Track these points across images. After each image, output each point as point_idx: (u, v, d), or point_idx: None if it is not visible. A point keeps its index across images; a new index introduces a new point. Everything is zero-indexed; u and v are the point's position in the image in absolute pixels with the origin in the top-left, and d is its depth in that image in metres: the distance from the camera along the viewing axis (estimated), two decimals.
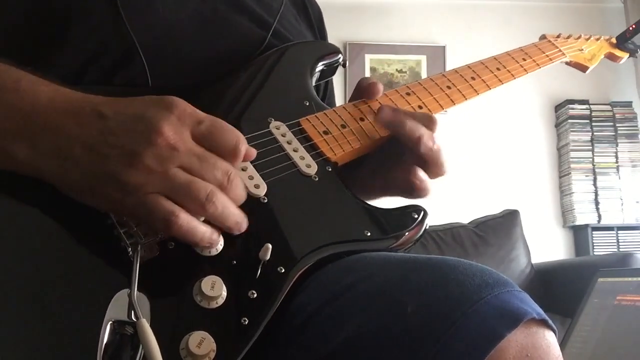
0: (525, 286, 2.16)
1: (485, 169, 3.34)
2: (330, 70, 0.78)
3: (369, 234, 0.58)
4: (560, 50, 0.88)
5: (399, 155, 0.65)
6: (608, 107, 3.45)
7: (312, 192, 0.60)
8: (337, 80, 1.21)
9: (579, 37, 0.94)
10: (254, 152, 0.54)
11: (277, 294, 0.50)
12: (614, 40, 0.98)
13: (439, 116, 0.71)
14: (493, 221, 2.28)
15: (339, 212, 0.59)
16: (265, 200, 0.56)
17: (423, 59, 3.51)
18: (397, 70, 3.51)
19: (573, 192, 3.33)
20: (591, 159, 3.38)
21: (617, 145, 3.40)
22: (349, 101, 0.72)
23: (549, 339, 0.44)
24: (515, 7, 3.59)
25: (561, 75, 3.21)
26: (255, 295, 0.49)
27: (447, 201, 2.85)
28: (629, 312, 1.20)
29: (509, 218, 2.29)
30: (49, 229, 0.49)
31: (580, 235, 3.35)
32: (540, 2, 3.59)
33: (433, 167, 0.63)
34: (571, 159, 3.38)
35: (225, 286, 0.48)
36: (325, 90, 0.87)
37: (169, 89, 0.54)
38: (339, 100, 0.91)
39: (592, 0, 3.63)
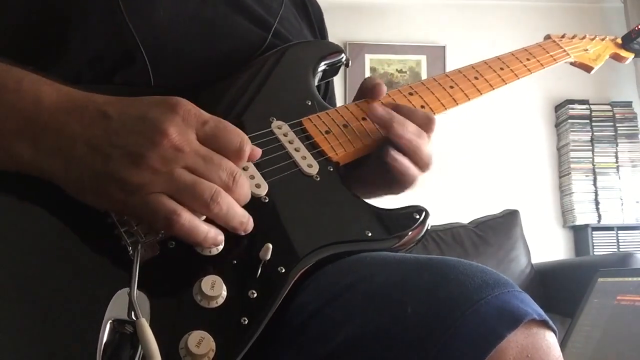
0: (525, 286, 2.16)
1: (485, 169, 3.34)
2: (332, 70, 0.78)
3: (370, 234, 0.58)
4: (564, 51, 0.87)
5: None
6: (608, 107, 3.45)
7: (313, 192, 0.60)
8: (337, 80, 1.21)
9: (584, 37, 0.94)
10: (258, 152, 0.54)
11: (277, 294, 0.50)
12: (619, 41, 0.98)
13: (439, 116, 0.71)
14: (493, 221, 2.28)
15: (340, 212, 0.59)
16: (267, 200, 0.56)
17: (423, 59, 3.51)
18: (397, 70, 3.51)
19: (573, 192, 3.33)
20: (591, 159, 3.38)
21: (617, 145, 3.40)
22: (352, 101, 0.72)
23: (549, 339, 0.44)
24: (515, 7, 3.58)
25: (561, 75, 3.21)
26: (255, 295, 0.49)
27: (447, 201, 2.86)
28: (629, 312, 1.20)
29: (509, 218, 2.29)
30: (49, 228, 0.49)
31: (580, 235, 3.35)
32: (541, 2, 3.58)
33: (413, 157, 0.64)
34: (571, 159, 3.38)
35: (226, 286, 0.48)
36: (326, 90, 0.87)
37: (171, 88, 0.54)
38: (339, 100, 0.91)
39: (592, 0, 3.63)
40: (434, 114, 0.71)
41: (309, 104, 0.69)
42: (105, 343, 0.43)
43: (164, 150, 0.46)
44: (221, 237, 0.50)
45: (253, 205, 0.53)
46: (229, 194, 0.49)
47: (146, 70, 0.63)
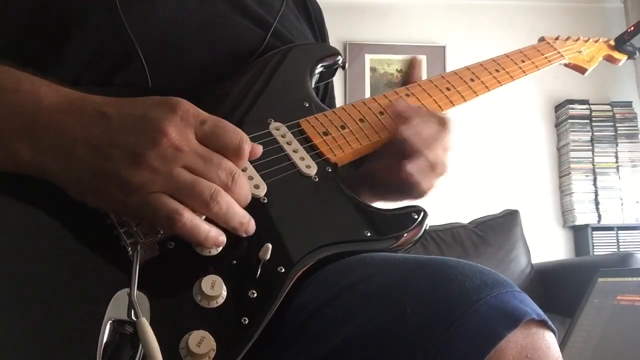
0: (525, 286, 2.17)
1: (485, 169, 3.34)
2: (329, 72, 0.78)
3: (368, 234, 0.58)
4: (558, 52, 0.88)
5: (398, 156, 0.65)
6: (608, 107, 3.45)
7: (312, 193, 0.60)
8: (337, 81, 1.21)
9: (578, 39, 0.94)
10: (259, 150, 0.54)
11: (277, 294, 0.50)
12: (612, 43, 0.98)
13: None
14: (493, 221, 2.28)
15: (339, 212, 0.59)
16: (265, 201, 0.56)
17: (423, 59, 3.51)
18: (397, 70, 3.51)
19: (573, 192, 3.33)
20: (591, 159, 3.38)
21: (617, 145, 3.40)
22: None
23: (549, 339, 0.44)
24: (515, 7, 3.59)
25: (561, 75, 3.20)
26: (255, 295, 0.49)
27: (447, 201, 2.86)
28: (629, 312, 1.20)
29: (509, 218, 2.29)
30: (48, 229, 0.49)
31: (580, 235, 3.35)
32: (540, 2, 3.58)
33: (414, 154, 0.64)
34: (571, 159, 3.38)
35: (226, 286, 0.48)
36: (325, 92, 0.87)
37: (169, 89, 0.54)
38: (339, 101, 0.91)
39: (592, 0, 3.63)
40: None
41: (307, 105, 0.69)
42: (105, 343, 0.43)
43: (163, 150, 0.47)
44: (223, 237, 0.50)
45: (252, 206, 0.53)
46: (229, 193, 0.49)
47: (143, 72, 0.64)
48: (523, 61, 0.83)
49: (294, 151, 0.62)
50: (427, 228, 0.62)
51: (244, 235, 0.51)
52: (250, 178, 0.56)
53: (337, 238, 0.57)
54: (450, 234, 2.20)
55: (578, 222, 3.29)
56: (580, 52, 0.92)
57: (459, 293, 0.44)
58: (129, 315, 0.44)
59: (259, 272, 0.50)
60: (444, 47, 3.51)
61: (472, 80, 0.77)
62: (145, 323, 0.43)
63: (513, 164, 3.40)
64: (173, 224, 0.47)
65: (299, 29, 0.81)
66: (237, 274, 0.50)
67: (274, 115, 0.64)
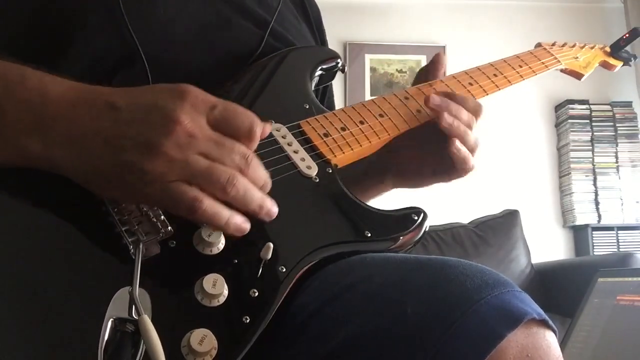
0: (525, 286, 2.17)
1: (485, 169, 3.33)
2: (329, 75, 0.79)
3: (369, 234, 0.58)
4: (555, 58, 0.89)
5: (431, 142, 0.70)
6: (608, 107, 3.45)
7: (312, 193, 0.60)
8: (337, 82, 1.21)
9: (574, 46, 0.95)
10: (268, 129, 0.54)
11: (278, 293, 0.50)
12: (608, 49, 0.99)
13: None
14: (493, 221, 2.28)
15: (340, 212, 0.60)
16: None
17: (423, 59, 3.51)
18: (397, 70, 3.51)
19: (573, 192, 3.33)
20: (591, 159, 3.38)
21: (617, 145, 3.40)
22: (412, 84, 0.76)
23: (549, 339, 0.44)
24: (515, 7, 3.59)
25: (561, 76, 3.18)
26: (256, 294, 0.49)
27: (447, 201, 2.86)
28: (629, 312, 1.20)
29: (509, 218, 2.29)
30: (49, 228, 0.49)
31: (580, 235, 3.35)
32: (540, 2, 3.58)
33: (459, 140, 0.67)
34: (571, 159, 3.38)
35: (227, 284, 0.48)
36: (324, 94, 0.87)
37: None
38: (339, 102, 0.92)
39: (592, 0, 3.63)
40: (430, 117, 0.72)
41: (307, 107, 0.69)
42: (106, 341, 0.43)
43: (177, 138, 0.47)
44: (247, 224, 0.50)
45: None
46: (244, 176, 0.49)
47: (145, 72, 0.64)
48: (520, 66, 0.83)
49: (294, 152, 0.62)
50: (427, 229, 0.62)
51: (267, 219, 0.52)
52: None
53: (338, 238, 0.57)
54: (450, 234, 2.20)
55: (578, 222, 3.29)
56: (577, 58, 0.93)
57: (459, 293, 0.44)
58: (130, 313, 0.45)
59: (260, 271, 0.51)
60: (444, 47, 3.51)
61: (470, 84, 0.77)
62: (147, 320, 0.43)
63: (513, 164, 3.40)
64: (194, 212, 0.47)
65: (297, 28, 0.81)
66: (238, 273, 0.50)
67: (274, 117, 0.64)
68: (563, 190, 3.44)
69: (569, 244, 3.41)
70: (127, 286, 0.46)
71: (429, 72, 0.77)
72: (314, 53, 0.78)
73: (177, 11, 0.68)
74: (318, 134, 0.65)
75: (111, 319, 0.44)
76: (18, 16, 0.63)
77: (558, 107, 3.52)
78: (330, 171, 0.63)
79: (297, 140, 0.64)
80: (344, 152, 0.65)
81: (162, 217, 0.51)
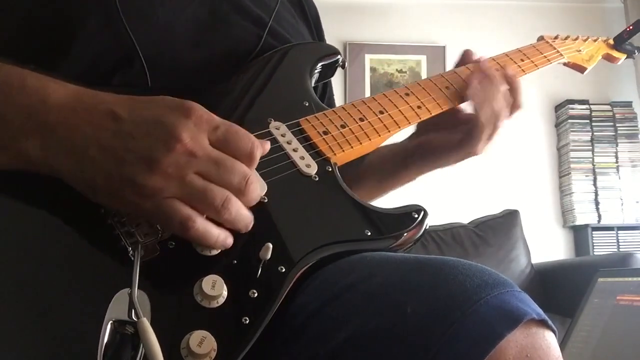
0: (525, 286, 2.16)
1: (485, 169, 3.33)
2: (329, 72, 0.79)
3: (369, 233, 0.58)
4: (558, 51, 0.88)
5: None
6: (608, 107, 3.44)
7: (312, 192, 0.60)
8: (337, 80, 1.21)
9: (577, 39, 0.94)
10: (267, 147, 0.55)
11: (277, 294, 0.50)
12: (611, 42, 0.98)
13: None
14: (493, 221, 2.28)
15: (339, 211, 0.59)
16: (266, 200, 0.56)
17: (423, 59, 3.51)
18: (397, 70, 3.51)
19: (573, 192, 3.33)
20: (591, 159, 3.38)
21: (617, 145, 3.40)
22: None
23: (549, 339, 0.44)
24: (515, 7, 3.58)
25: (561, 75, 3.20)
26: (256, 294, 0.49)
27: (447, 201, 2.86)
28: (629, 312, 1.20)
29: (509, 218, 2.29)
30: (48, 230, 0.49)
31: (580, 235, 3.35)
32: (541, 2, 3.58)
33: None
34: (571, 159, 3.37)
35: (226, 285, 0.48)
36: (324, 91, 0.87)
37: (169, 90, 0.54)
38: (339, 102, 0.91)
39: (592, 0, 3.63)
40: (430, 113, 0.73)
41: (307, 105, 0.69)
42: (106, 344, 0.43)
43: (177, 156, 0.47)
44: (230, 239, 0.51)
45: (253, 206, 0.53)
46: (241, 197, 0.50)
47: (143, 72, 0.64)
48: (522, 60, 0.83)
49: (293, 150, 0.62)
50: (427, 227, 0.62)
51: (244, 232, 0.52)
52: None
53: (338, 237, 0.57)
54: (450, 234, 2.20)
55: (578, 222, 3.29)
56: (580, 51, 0.92)
57: (459, 293, 0.44)
58: (129, 315, 0.44)
59: (259, 271, 0.50)
60: (443, 47, 3.51)
61: None
62: (146, 323, 0.43)
63: (513, 164, 3.39)
64: (186, 230, 0.48)
65: (295, 27, 0.81)
66: (237, 273, 0.50)
67: (273, 115, 0.64)
68: (563, 190, 3.44)
69: (569, 244, 3.41)
70: (126, 288, 0.46)
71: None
72: (314, 49, 0.78)
73: (174, 11, 0.68)
74: (317, 131, 0.65)
75: (111, 322, 0.44)
76: (17, 16, 0.63)
77: (558, 107, 3.51)
78: (330, 169, 0.63)
79: (297, 139, 0.63)
80: (343, 150, 0.65)
81: None
